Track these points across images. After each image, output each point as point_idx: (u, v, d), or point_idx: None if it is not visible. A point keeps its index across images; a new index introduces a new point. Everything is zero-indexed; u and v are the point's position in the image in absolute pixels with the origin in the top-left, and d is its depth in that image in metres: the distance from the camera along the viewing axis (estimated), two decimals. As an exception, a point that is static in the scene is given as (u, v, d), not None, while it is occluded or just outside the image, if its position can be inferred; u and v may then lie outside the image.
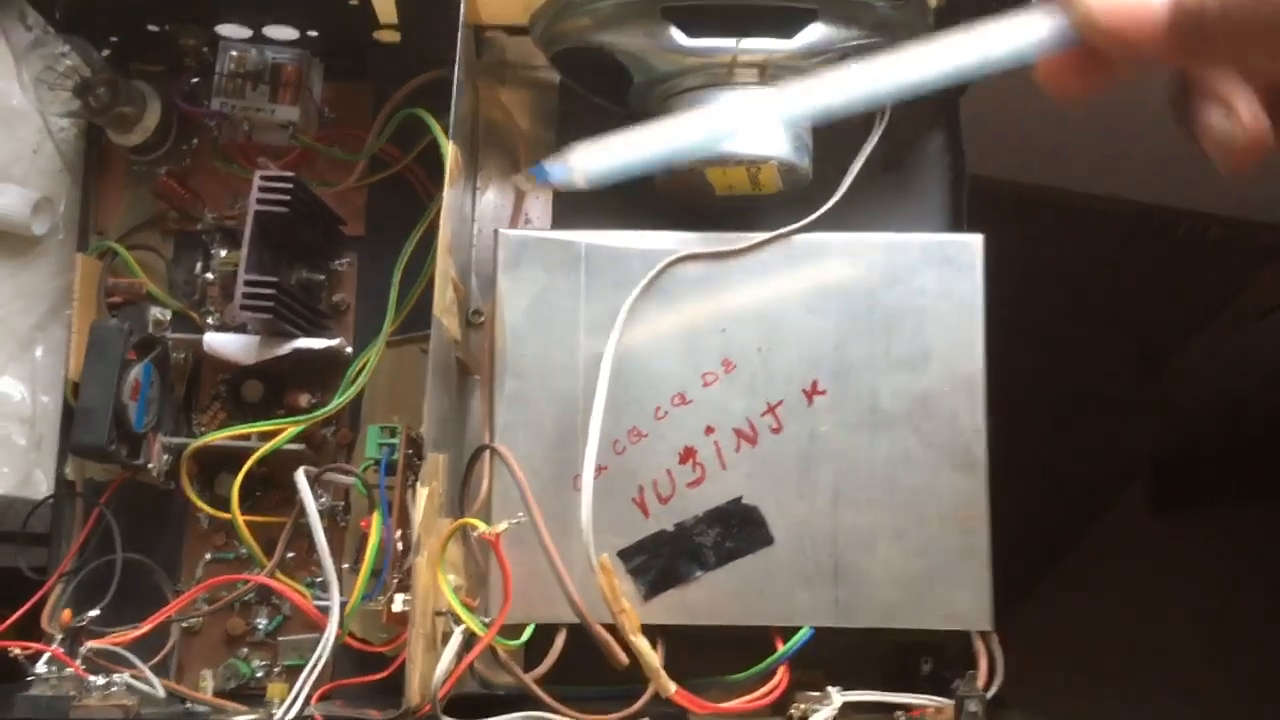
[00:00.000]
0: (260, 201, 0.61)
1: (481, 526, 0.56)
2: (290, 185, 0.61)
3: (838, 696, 0.60)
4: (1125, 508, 1.57)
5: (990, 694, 0.60)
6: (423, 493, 0.55)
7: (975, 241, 0.64)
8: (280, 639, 0.66)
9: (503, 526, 0.56)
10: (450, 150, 0.59)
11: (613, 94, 0.66)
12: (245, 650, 0.66)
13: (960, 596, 0.62)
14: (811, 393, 0.63)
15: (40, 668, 0.55)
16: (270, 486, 0.67)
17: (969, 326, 0.63)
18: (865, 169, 0.66)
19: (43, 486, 0.67)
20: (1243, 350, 1.33)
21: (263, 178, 0.62)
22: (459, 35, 0.60)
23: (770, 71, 0.62)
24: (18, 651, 0.56)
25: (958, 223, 0.70)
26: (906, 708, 0.61)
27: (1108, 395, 1.40)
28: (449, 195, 0.59)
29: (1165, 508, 1.55)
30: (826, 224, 0.65)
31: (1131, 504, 1.57)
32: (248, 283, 0.60)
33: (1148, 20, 0.40)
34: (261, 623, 0.66)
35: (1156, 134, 1.14)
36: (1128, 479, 1.56)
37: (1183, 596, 1.47)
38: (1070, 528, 1.58)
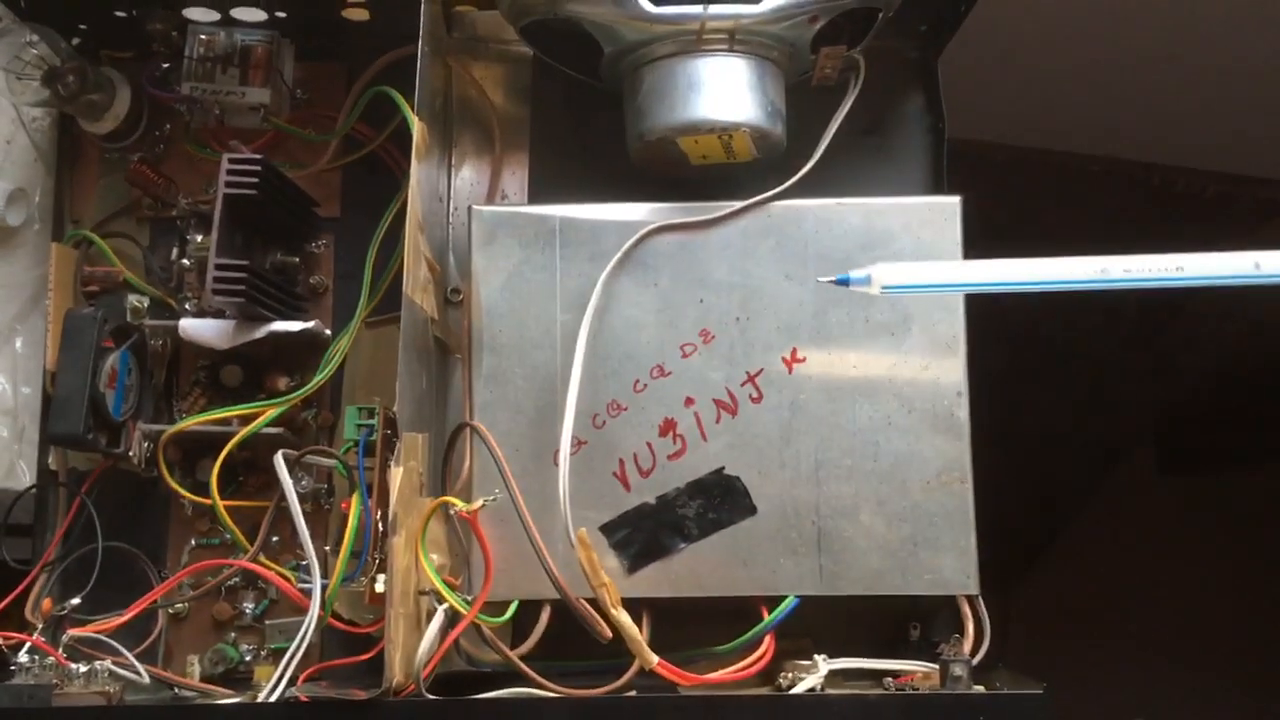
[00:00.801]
0: (229, 185, 0.61)
1: (459, 504, 0.56)
2: (259, 168, 0.61)
3: (824, 664, 0.60)
4: (1132, 471, 1.57)
5: (977, 659, 0.59)
6: (397, 473, 0.55)
7: (953, 203, 0.64)
8: (267, 622, 0.66)
9: (479, 504, 0.55)
10: (417, 126, 0.58)
11: (584, 65, 0.66)
12: (233, 635, 0.66)
13: (945, 561, 0.61)
14: (791, 361, 0.63)
15: (22, 657, 0.55)
16: (253, 470, 0.67)
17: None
18: (843, 133, 0.66)
19: (26, 477, 0.67)
20: (1243, 312, 1.31)
21: (231, 160, 0.61)
22: (422, 10, 0.59)
23: (739, 37, 0.61)
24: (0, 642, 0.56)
25: (938, 185, 0.69)
26: (894, 674, 0.61)
27: (1107, 360, 1.39)
28: (417, 172, 0.58)
29: (1172, 470, 1.55)
30: (804, 190, 0.64)
31: (1138, 467, 1.56)
32: (218, 267, 0.60)
33: None
34: (248, 607, 0.66)
35: (1151, 91, 1.13)
36: (1133, 443, 1.55)
37: (1190, 558, 1.46)
38: (1077, 492, 1.58)
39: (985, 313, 0.64)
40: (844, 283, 0.52)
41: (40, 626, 0.59)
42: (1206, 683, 1.41)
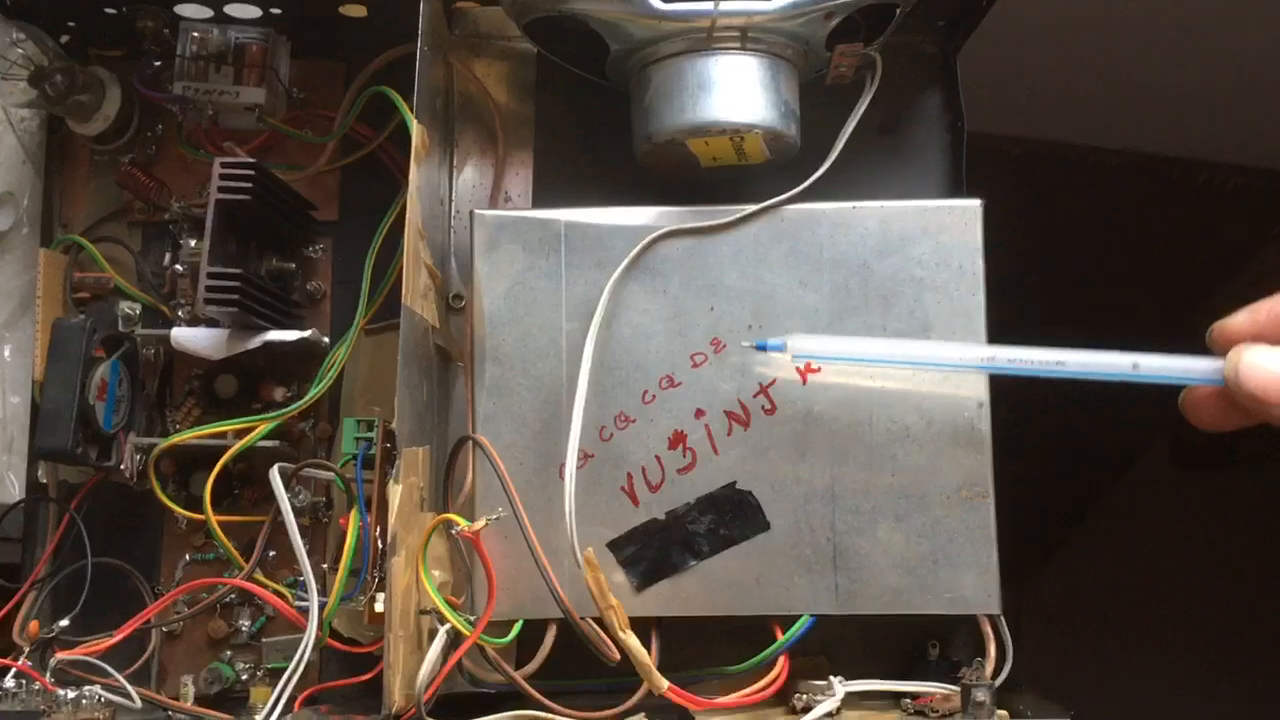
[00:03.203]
0: (221, 190, 0.59)
1: (461, 523, 0.54)
2: (252, 172, 0.59)
3: (840, 687, 0.58)
4: (1148, 466, 1.55)
5: (999, 681, 0.57)
6: (396, 490, 0.53)
7: (974, 206, 0.61)
8: (264, 640, 0.64)
9: (481, 523, 0.53)
10: (416, 129, 0.56)
11: (590, 63, 0.63)
12: (229, 653, 0.64)
13: (966, 579, 0.59)
14: (805, 371, 0.60)
15: (8, 683, 0.53)
16: (249, 483, 0.65)
17: (969, 295, 0.60)
18: (859, 133, 0.63)
19: (15, 490, 0.65)
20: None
21: (223, 164, 0.59)
22: (421, 7, 0.57)
23: (752, 34, 0.59)
24: (-15, 668, 0.55)
25: (957, 187, 0.67)
26: (912, 695, 0.59)
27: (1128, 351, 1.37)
28: (416, 175, 0.56)
29: (1188, 465, 1.53)
30: (818, 193, 0.61)
31: (1154, 462, 1.54)
32: (211, 275, 0.58)
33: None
34: (244, 624, 0.64)
35: (1172, 84, 1.10)
36: (1150, 437, 1.53)
37: (1207, 554, 1.45)
38: (1093, 487, 1.56)
39: (999, 311, 0.61)
40: (761, 348, 0.59)
41: (27, 649, 0.57)
42: (1222, 680, 1.40)
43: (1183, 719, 1.37)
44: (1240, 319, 0.52)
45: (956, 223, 0.61)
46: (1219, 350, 0.52)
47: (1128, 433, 1.49)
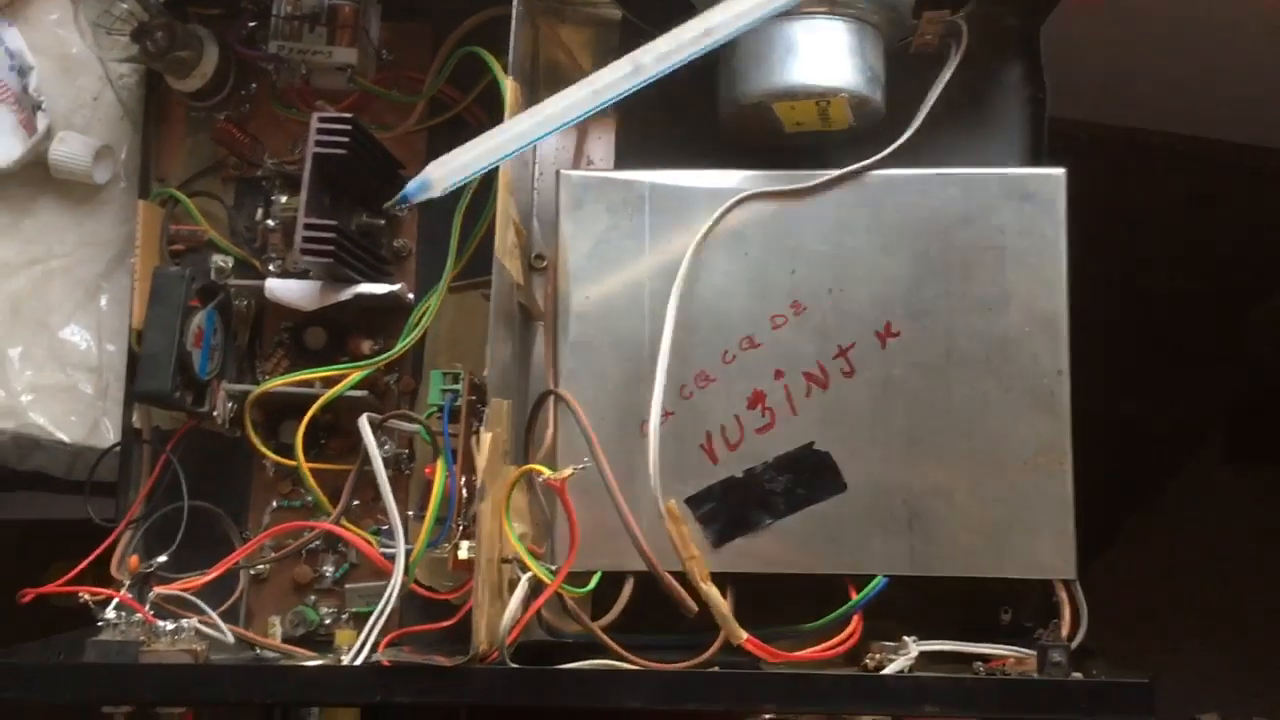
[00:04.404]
0: (319, 144, 0.60)
1: (547, 472, 0.55)
2: (349, 127, 0.60)
3: (915, 646, 0.58)
4: (1201, 461, 1.53)
5: (1074, 644, 0.58)
6: (486, 438, 0.54)
7: (1057, 176, 0.61)
8: (347, 586, 0.65)
9: (568, 472, 0.54)
10: (510, 87, 0.57)
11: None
12: (313, 597, 0.65)
13: (1042, 544, 0.59)
14: (885, 335, 0.61)
15: (109, 613, 0.55)
16: (334, 433, 0.66)
17: (1051, 265, 0.61)
18: (939, 102, 0.64)
19: (110, 435, 0.68)
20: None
21: (321, 119, 0.61)
22: (517, -32, 0.58)
23: (841, 0, 0.59)
24: (87, 598, 0.56)
25: (1037, 157, 0.67)
26: (985, 658, 0.60)
27: (1185, 344, 1.36)
28: (510, 134, 0.57)
29: (1241, 460, 1.51)
30: (900, 160, 0.62)
31: (1208, 457, 1.53)
32: (308, 226, 0.59)
33: None
34: (328, 570, 0.65)
35: (1247, 70, 1.09)
36: (1204, 432, 1.51)
37: (1256, 548, 1.43)
38: (1145, 481, 1.55)
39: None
40: (405, 200, 0.53)
41: (127, 583, 0.59)
42: (1271, 674, 1.38)
43: (1227, 716, 1.36)
44: None
45: (1040, 191, 0.61)
46: None
47: (1181, 424, 1.47)
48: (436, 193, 0.53)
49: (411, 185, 0.53)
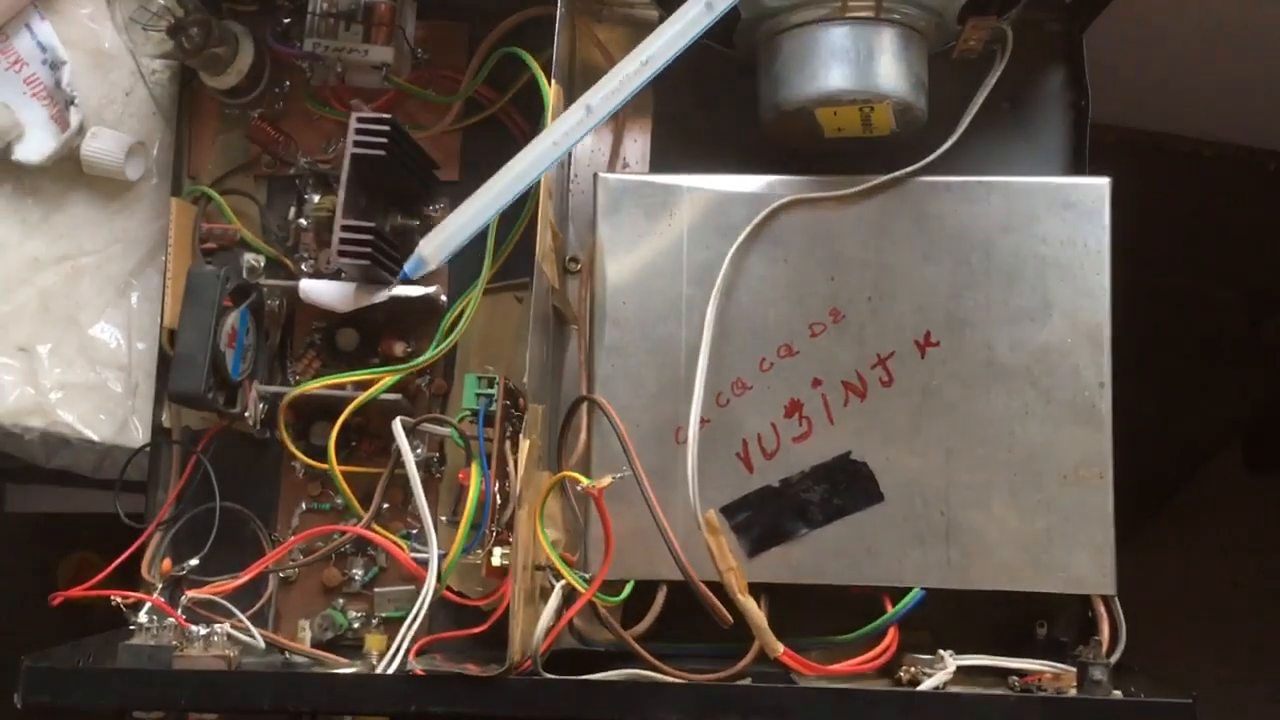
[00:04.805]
0: (357, 144, 0.59)
1: (584, 480, 0.54)
2: (388, 128, 0.60)
3: (951, 660, 0.58)
4: (1220, 468, 1.52)
5: (1114, 660, 0.57)
6: (524, 445, 0.54)
7: (1102, 185, 0.61)
8: (376, 590, 0.65)
9: (606, 481, 0.54)
10: (553, 89, 0.57)
11: (717, 31, 0.63)
12: (341, 601, 0.65)
13: (1081, 558, 0.59)
14: (924, 344, 0.60)
15: (142, 617, 0.54)
16: (365, 436, 0.66)
17: (1094, 275, 0.60)
18: (981, 108, 0.63)
19: (139, 434, 0.67)
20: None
21: (359, 119, 0.60)
22: (560, -30, 0.57)
23: (886, 4, 0.59)
24: (118, 600, 0.56)
25: (1079, 167, 0.66)
26: (1021, 673, 0.59)
27: (1209, 349, 1.35)
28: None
29: (1260, 469, 1.50)
30: (941, 167, 0.61)
31: (1226, 464, 1.52)
32: (345, 228, 0.59)
33: None
34: (358, 574, 0.65)
35: (1270, 75, 1.08)
36: (1224, 438, 1.50)
37: (1274, 559, 1.42)
38: (1163, 487, 1.54)
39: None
40: (406, 279, 0.60)
41: (159, 586, 0.58)
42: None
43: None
44: None
45: (1084, 201, 0.60)
46: None
47: (1200, 434, 1.47)
48: (432, 266, 0.59)
49: (409, 265, 0.59)
